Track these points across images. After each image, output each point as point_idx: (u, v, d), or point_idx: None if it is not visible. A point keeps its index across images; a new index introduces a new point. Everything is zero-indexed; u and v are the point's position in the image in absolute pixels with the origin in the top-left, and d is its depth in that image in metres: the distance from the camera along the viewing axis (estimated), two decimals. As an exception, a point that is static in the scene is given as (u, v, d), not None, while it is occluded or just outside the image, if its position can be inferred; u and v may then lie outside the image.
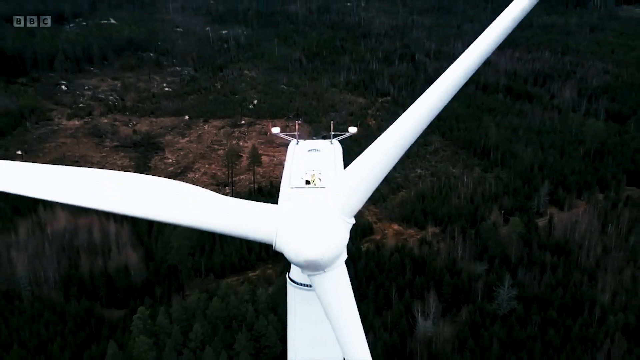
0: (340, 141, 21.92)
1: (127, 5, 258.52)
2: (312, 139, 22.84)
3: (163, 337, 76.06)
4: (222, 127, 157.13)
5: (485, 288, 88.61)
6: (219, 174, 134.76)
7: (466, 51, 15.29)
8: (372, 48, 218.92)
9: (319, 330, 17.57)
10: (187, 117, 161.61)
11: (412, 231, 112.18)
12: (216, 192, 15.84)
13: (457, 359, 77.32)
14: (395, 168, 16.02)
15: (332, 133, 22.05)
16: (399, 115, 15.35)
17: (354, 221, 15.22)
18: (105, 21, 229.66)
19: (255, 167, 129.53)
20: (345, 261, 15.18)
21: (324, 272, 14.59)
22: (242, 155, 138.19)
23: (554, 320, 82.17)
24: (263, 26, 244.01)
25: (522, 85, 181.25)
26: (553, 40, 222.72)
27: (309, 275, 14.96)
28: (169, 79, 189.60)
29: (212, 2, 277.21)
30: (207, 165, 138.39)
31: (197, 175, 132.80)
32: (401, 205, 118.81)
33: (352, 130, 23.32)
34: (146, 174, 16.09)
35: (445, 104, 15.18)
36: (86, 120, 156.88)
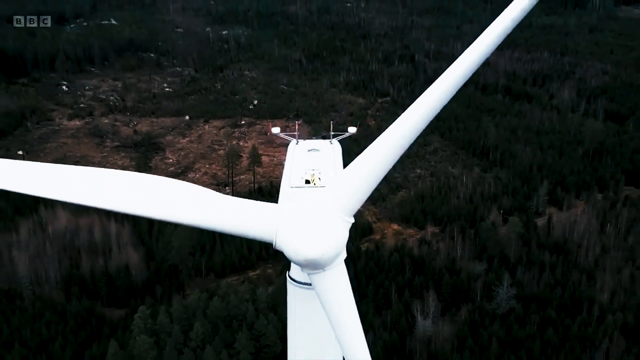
0: (339, 141, 22.10)
1: (128, 5, 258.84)
2: (312, 139, 23.02)
3: (164, 337, 76.26)
4: (223, 127, 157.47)
5: (485, 287, 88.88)
6: (219, 174, 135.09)
7: (465, 52, 15.36)
8: (372, 49, 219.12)
9: (318, 328, 17.59)
10: (187, 117, 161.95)
11: (411, 231, 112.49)
12: (216, 192, 15.79)
13: (457, 358, 77.57)
14: (394, 168, 16.13)
15: (332, 133, 22.25)
16: (398, 116, 15.39)
17: (353, 220, 15.22)
18: (106, 22, 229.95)
19: (256, 167, 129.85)
20: (345, 261, 15.18)
21: (324, 270, 14.61)
22: (242, 155, 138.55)
23: (553, 319, 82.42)
24: (263, 27, 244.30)
25: (521, 86, 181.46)
26: (552, 40, 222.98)
27: (308, 274, 14.98)
28: (169, 79, 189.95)
29: (212, 2, 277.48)
30: (207, 165, 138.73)
31: (197, 175, 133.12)
32: (401, 205, 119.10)
33: (352, 130, 23.58)
34: (147, 174, 16.18)
35: (444, 104, 15.22)
36: (87, 120, 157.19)
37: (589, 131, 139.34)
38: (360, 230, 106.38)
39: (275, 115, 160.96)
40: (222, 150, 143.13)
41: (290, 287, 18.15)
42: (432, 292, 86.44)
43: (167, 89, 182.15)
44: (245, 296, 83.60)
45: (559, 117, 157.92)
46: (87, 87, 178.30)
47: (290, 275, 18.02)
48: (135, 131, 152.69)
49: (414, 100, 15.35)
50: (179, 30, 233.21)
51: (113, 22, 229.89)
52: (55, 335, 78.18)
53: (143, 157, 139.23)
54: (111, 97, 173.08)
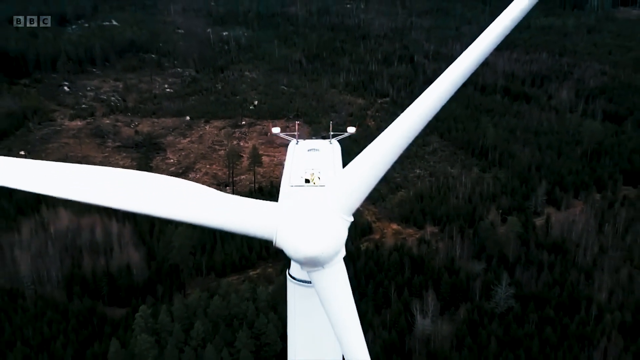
0: (339, 141, 22.38)
1: (129, 7, 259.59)
2: (312, 139, 23.26)
3: (164, 335, 76.56)
4: (223, 128, 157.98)
5: (483, 287, 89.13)
6: (219, 174, 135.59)
7: (464, 52, 15.50)
8: (372, 49, 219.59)
9: (318, 326, 17.63)
10: (188, 117, 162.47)
11: (410, 230, 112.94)
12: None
13: (455, 357, 77.80)
14: (394, 168, 16.35)
15: (332, 133, 22.53)
16: (397, 116, 15.48)
17: (352, 219, 15.36)
18: (107, 23, 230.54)
19: (256, 167, 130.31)
20: (345, 260, 15.23)
21: (323, 268, 14.68)
22: (242, 156, 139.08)
23: (551, 318, 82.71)
24: (263, 28, 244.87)
25: (519, 86, 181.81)
26: (550, 41, 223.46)
27: (308, 272, 15.06)
28: (170, 80, 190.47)
29: (212, 3, 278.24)
30: (208, 166, 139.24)
31: (198, 176, 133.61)
32: (400, 205, 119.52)
33: (351, 130, 23.90)
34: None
35: (443, 105, 15.34)
36: (88, 121, 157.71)
37: (587, 131, 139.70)
38: (359, 230, 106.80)
39: (275, 116, 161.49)
40: (222, 151, 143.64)
41: (290, 285, 18.22)
42: (431, 291, 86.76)
43: (168, 90, 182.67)
44: (245, 295, 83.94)
45: (557, 117, 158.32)
46: (88, 88, 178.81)
47: (290, 273, 18.13)
48: (136, 131, 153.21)
49: (413, 100, 15.47)
50: (179, 31, 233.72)
51: (114, 23, 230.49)
52: (57, 334, 78.52)
53: (144, 157, 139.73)
54: (112, 98, 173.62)
